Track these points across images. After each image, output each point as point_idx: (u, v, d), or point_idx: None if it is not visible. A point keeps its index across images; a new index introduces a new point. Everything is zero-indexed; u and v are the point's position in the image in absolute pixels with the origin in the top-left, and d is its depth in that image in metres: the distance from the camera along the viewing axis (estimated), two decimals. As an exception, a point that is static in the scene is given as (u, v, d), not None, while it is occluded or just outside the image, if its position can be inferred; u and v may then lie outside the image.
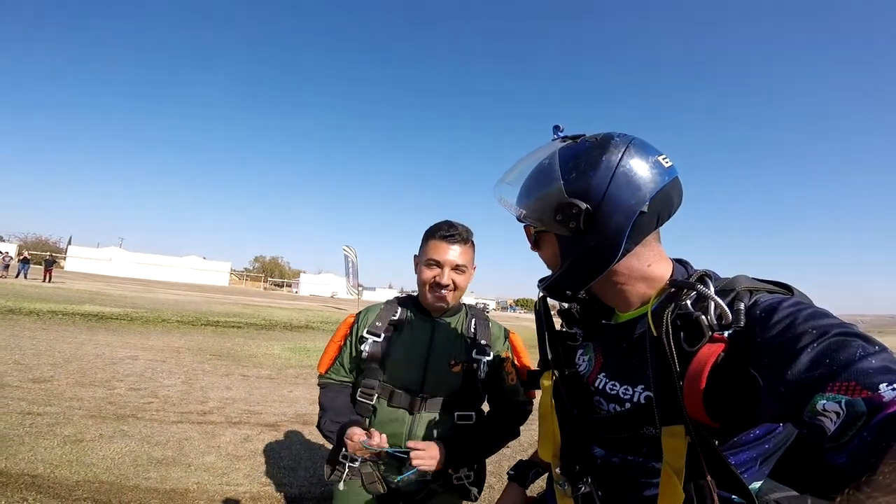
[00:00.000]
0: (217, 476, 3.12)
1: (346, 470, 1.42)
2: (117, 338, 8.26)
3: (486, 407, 1.57)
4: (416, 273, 1.51)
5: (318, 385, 1.58)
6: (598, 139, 0.79)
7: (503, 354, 1.52)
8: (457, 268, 1.44)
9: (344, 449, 1.41)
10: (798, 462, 0.76)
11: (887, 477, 0.42)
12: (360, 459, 1.42)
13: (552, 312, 1.03)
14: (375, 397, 1.43)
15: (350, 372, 1.55)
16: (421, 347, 1.45)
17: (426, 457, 1.28)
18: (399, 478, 1.39)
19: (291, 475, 3.29)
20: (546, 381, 0.96)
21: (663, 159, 0.77)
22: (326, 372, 1.56)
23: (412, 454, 1.27)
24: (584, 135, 0.83)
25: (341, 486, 1.45)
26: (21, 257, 27.43)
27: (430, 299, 1.46)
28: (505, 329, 1.61)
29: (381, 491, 1.42)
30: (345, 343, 1.55)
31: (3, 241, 56.01)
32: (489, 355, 1.47)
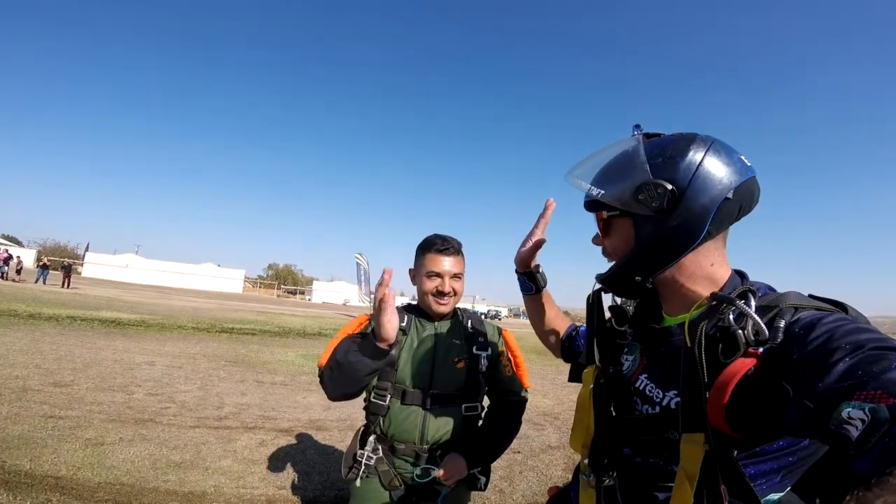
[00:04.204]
0: (233, 479, 3.17)
1: (363, 468, 1.52)
2: (134, 343, 8.39)
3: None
4: (414, 284, 1.66)
5: (319, 375, 1.45)
6: (683, 134, 0.82)
7: (500, 349, 1.68)
8: (454, 276, 1.59)
9: (359, 450, 1.53)
10: (825, 478, 0.76)
11: None
12: (376, 458, 1.52)
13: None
14: (388, 397, 1.53)
15: None
16: (428, 349, 1.57)
17: (454, 473, 1.43)
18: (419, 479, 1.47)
19: (306, 479, 3.32)
20: (588, 375, 0.97)
21: (744, 158, 0.80)
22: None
23: (442, 475, 1.42)
24: (663, 133, 0.86)
25: (358, 482, 1.52)
26: (40, 263, 27.95)
27: (434, 306, 1.58)
28: (498, 327, 1.76)
29: (399, 486, 1.53)
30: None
31: (23, 246, 57.15)
32: (488, 350, 1.63)
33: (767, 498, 0.72)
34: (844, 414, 0.51)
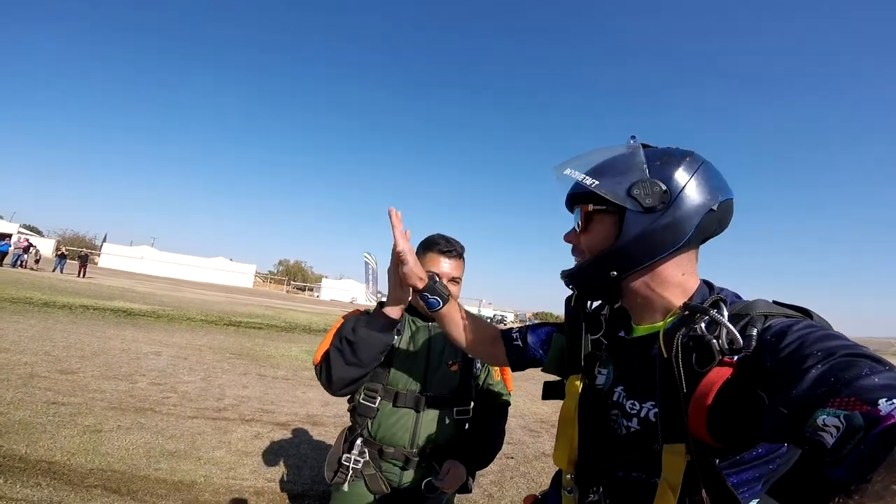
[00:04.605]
0: (224, 470, 3.20)
1: (350, 472, 1.48)
2: (143, 334, 8.54)
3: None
4: None
5: (316, 368, 1.42)
6: (680, 149, 0.85)
7: None
8: (452, 279, 1.53)
9: (345, 454, 1.50)
10: (800, 482, 0.77)
11: (877, 485, 0.42)
12: (363, 461, 1.48)
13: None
14: (378, 399, 1.50)
15: None
16: (421, 351, 1.54)
17: (456, 482, 1.44)
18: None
19: (296, 473, 3.35)
20: (573, 386, 0.94)
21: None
22: None
23: (444, 483, 1.42)
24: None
25: (345, 487, 1.49)
26: (58, 253, 28.54)
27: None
28: None
29: (385, 491, 1.49)
30: None
31: (43, 236, 58.53)
32: None
33: None
34: (819, 421, 0.52)
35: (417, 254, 1.58)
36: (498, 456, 1.69)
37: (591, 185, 0.82)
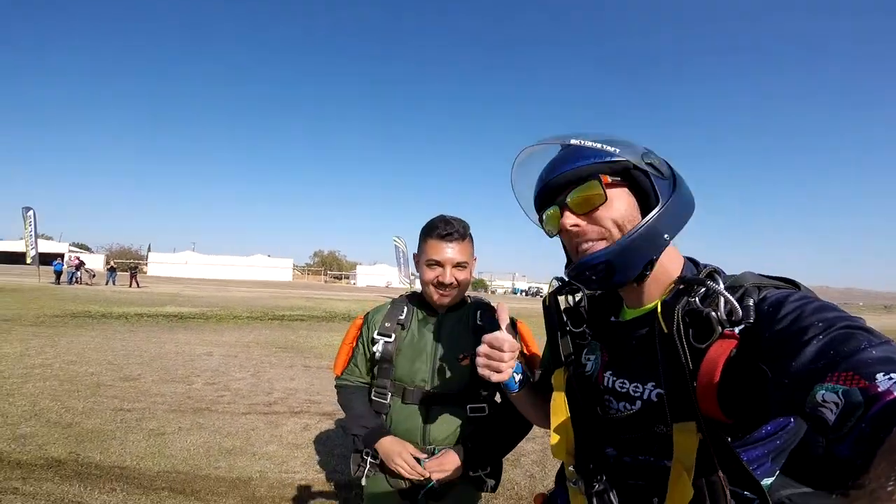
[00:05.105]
0: (277, 464, 3.40)
1: (369, 467, 1.52)
2: (195, 336, 9.04)
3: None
4: (417, 271, 1.54)
5: (335, 387, 1.64)
6: None
7: None
8: (457, 265, 1.45)
9: (365, 448, 1.52)
10: (808, 457, 0.76)
11: (872, 482, 0.41)
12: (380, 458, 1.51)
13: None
14: (389, 395, 1.50)
15: (365, 373, 1.59)
16: (427, 346, 1.49)
17: (444, 468, 1.39)
18: (420, 494, 1.46)
19: (343, 463, 3.49)
20: (559, 379, 0.94)
21: None
22: (342, 374, 1.62)
23: (429, 467, 1.37)
24: None
25: (364, 481, 1.53)
26: (108, 267, 30.45)
27: (436, 297, 1.48)
28: (512, 318, 1.51)
29: (404, 485, 1.49)
30: (357, 345, 1.59)
31: (92, 252, 62.16)
32: None
33: (762, 483, 0.71)
34: (819, 396, 0.50)
35: (419, 240, 1.52)
36: (540, 435, 1.63)
37: (615, 151, 0.77)
